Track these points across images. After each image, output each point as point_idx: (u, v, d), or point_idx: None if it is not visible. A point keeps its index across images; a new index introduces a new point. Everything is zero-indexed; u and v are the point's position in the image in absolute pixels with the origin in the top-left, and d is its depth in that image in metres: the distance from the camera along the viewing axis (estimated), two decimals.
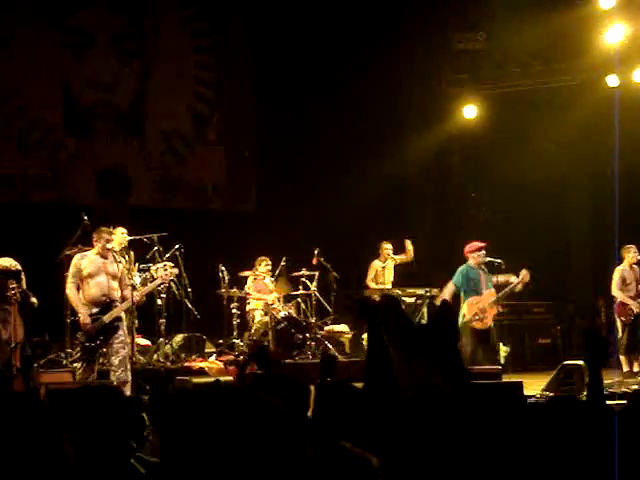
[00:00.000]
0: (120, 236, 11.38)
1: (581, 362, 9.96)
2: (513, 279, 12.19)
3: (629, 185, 13.26)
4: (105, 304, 9.80)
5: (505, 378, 11.41)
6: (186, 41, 16.63)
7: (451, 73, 16.76)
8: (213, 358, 12.86)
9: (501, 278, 12.13)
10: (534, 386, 10.34)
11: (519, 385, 8.35)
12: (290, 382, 3.76)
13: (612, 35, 14.23)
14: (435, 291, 14.03)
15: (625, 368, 12.57)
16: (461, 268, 12.06)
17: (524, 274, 12.01)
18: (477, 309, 11.83)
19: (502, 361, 13.48)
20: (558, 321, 15.30)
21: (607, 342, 4.40)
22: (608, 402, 4.25)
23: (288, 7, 16.29)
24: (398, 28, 17.00)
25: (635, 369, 12.62)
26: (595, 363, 4.14)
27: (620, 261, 12.92)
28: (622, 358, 12.78)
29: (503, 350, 13.83)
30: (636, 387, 9.71)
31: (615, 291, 12.88)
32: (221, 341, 13.33)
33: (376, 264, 14.25)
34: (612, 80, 14.70)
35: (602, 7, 14.19)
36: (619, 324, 12.82)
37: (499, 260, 12.11)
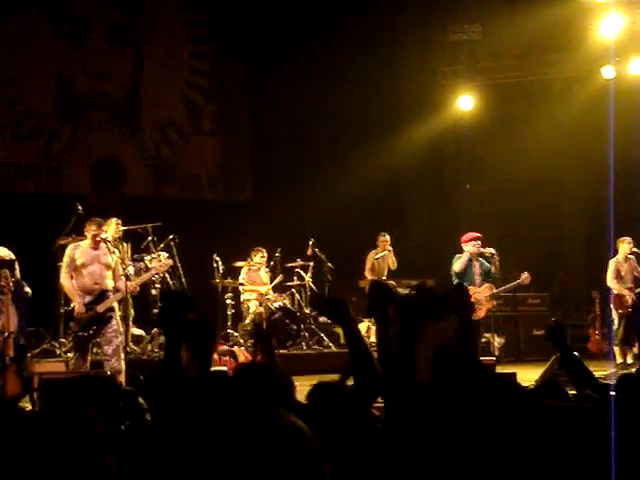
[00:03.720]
0: (114, 226, 11.33)
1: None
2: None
3: (624, 177, 13.23)
4: (98, 294, 9.75)
5: (499, 369, 11.40)
6: (181, 31, 16.56)
7: (446, 64, 16.75)
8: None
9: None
10: (528, 377, 10.29)
11: (513, 376, 8.31)
12: (275, 374, 3.71)
13: (607, 27, 14.20)
14: (430, 282, 13.98)
15: (619, 359, 12.58)
16: (455, 258, 11.98)
17: (525, 277, 11.97)
18: (473, 299, 11.78)
19: (496, 352, 13.50)
20: (552, 312, 15.26)
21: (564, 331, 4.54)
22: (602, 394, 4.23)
23: (287, 2, 16.27)
24: (394, 19, 16.97)
25: (629, 361, 12.63)
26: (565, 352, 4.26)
27: (615, 253, 12.91)
28: (616, 349, 12.78)
29: (497, 341, 13.84)
30: None
31: (610, 282, 12.87)
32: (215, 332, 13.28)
33: (372, 255, 14.20)
34: (608, 72, 14.68)
35: None
36: (615, 316, 12.82)
37: (492, 250, 12.07)
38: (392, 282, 13.85)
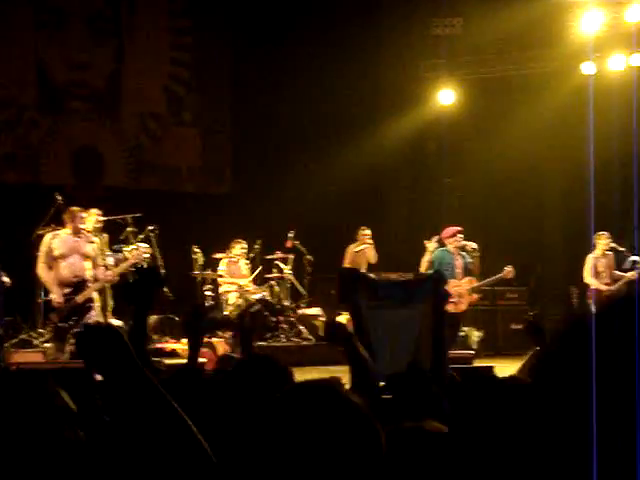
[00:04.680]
0: (94, 217, 11.27)
1: None
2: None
3: (604, 171, 13.28)
4: (77, 284, 9.72)
5: (477, 363, 11.45)
6: (162, 22, 16.51)
7: (427, 58, 16.76)
8: (186, 340, 12.77)
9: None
10: (506, 371, 10.32)
11: (490, 369, 8.33)
12: (272, 364, 3.69)
13: (587, 23, 14.24)
14: (409, 275, 14.00)
15: None
16: (436, 253, 12.03)
17: (508, 271, 12.00)
18: (454, 292, 11.81)
19: (474, 346, 13.53)
20: (530, 307, 15.31)
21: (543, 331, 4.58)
22: None
23: None
24: (375, 13, 17.00)
25: None
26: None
27: (594, 248, 12.95)
28: None
29: (476, 335, 13.87)
30: None
31: (587, 278, 12.90)
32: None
33: (351, 248, 14.19)
34: (587, 68, 14.72)
35: None
36: (594, 311, 12.83)
37: (473, 245, 12.09)
38: (372, 275, 13.87)
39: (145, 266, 10.57)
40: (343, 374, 4.03)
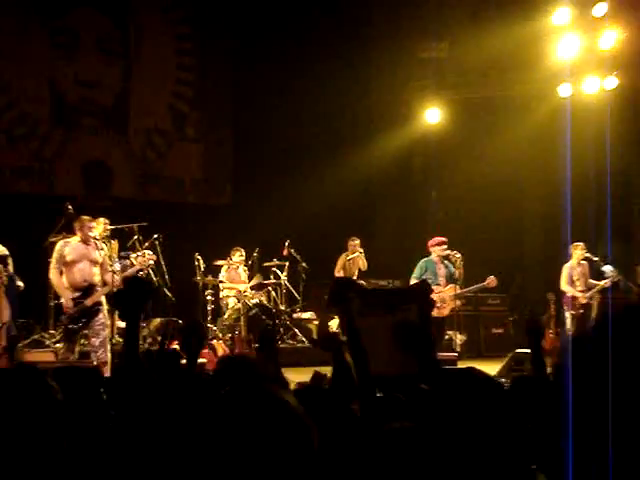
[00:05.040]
0: (102, 225, 11.29)
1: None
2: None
3: (579, 187, 13.33)
4: (87, 289, 9.73)
5: (460, 364, 11.48)
6: (168, 43, 16.54)
7: (416, 79, 16.82)
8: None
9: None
10: (487, 372, 10.35)
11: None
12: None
13: (564, 49, 14.31)
14: (397, 282, 14.07)
15: None
16: (420, 262, 12.07)
17: (491, 280, 12.02)
18: (437, 297, 11.85)
19: (458, 349, 13.55)
20: (511, 313, 15.35)
21: (542, 328, 4.58)
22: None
23: (267, 18, 16.31)
24: (368, 37, 17.08)
25: None
26: (535, 345, 4.32)
27: (569, 258, 13.01)
28: None
29: (459, 338, 13.89)
30: None
31: (564, 286, 12.96)
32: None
33: (343, 257, 14.22)
34: (564, 90, 14.78)
35: (555, 23, 14.34)
36: (568, 316, 12.91)
37: (457, 254, 12.11)
38: (362, 282, 13.92)
39: (135, 277, 10.64)
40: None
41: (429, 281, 11.88)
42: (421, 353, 3.52)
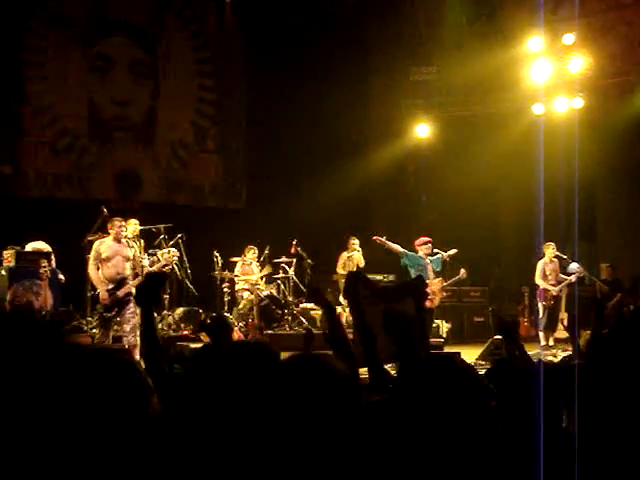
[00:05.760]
0: (133, 226, 11.37)
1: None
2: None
3: (551, 194, 13.30)
4: (119, 281, 9.81)
5: (446, 349, 11.55)
6: (191, 66, 16.61)
7: (408, 98, 16.88)
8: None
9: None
10: (470, 356, 10.43)
11: (458, 354, 8.43)
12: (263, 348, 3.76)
13: (538, 72, 14.37)
14: (391, 277, 14.12)
15: (543, 342, 12.72)
16: (409, 257, 11.96)
17: (462, 272, 12.01)
18: (429, 290, 11.85)
19: (444, 335, 13.61)
20: (490, 303, 15.39)
21: (516, 323, 4.54)
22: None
23: (273, 50, 16.41)
24: (365, 61, 17.17)
25: (550, 343, 12.77)
26: (512, 339, 4.28)
27: (542, 256, 13.06)
28: (541, 334, 12.93)
29: (445, 326, 13.95)
30: (551, 358, 9.79)
31: (538, 280, 13.01)
32: (214, 314, 13.32)
33: (344, 255, 14.25)
34: (538, 109, 14.83)
35: (530, 50, 14.43)
36: (540, 307, 12.96)
37: (444, 253, 12.13)
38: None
39: (151, 272, 10.68)
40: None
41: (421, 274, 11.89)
42: (403, 343, 3.47)
